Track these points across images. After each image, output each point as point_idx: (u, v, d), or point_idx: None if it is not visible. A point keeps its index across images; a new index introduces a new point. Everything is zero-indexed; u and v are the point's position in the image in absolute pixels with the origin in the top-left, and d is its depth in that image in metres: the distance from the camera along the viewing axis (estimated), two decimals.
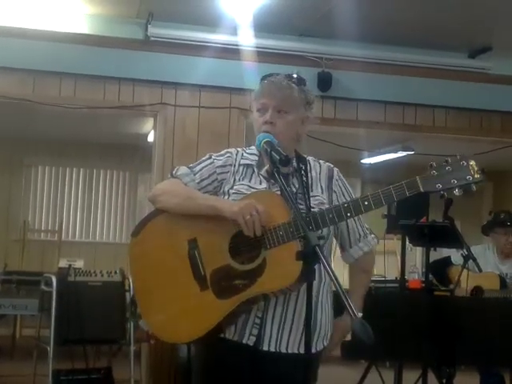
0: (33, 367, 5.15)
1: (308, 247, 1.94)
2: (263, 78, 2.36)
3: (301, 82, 2.33)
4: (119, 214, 9.26)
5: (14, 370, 5.64)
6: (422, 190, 2.05)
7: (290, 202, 2.09)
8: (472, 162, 2.03)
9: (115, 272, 5.05)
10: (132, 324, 4.91)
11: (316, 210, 2.22)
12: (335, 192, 2.36)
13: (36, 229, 8.94)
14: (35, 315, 5.34)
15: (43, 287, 5.01)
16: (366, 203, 2.09)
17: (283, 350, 2.22)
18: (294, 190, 2.24)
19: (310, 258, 1.93)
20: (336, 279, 1.84)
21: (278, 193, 2.23)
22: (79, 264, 5.85)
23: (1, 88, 5.00)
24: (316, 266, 1.95)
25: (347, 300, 1.79)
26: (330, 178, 2.38)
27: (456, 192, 2.03)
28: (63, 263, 5.21)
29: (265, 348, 2.22)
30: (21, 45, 4.95)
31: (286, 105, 2.28)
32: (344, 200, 2.33)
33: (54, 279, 4.83)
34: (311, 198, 2.26)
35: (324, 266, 1.90)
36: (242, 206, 2.11)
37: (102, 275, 5.07)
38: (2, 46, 4.93)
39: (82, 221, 9.10)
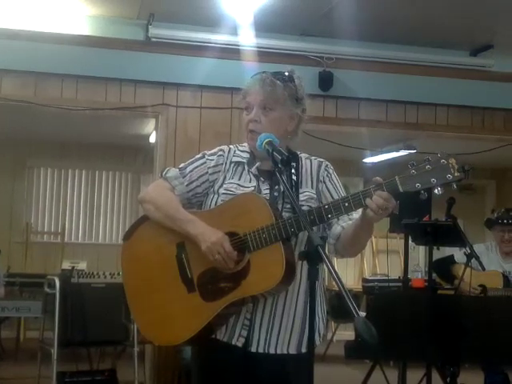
0: (37, 369, 5.14)
1: (311, 247, 1.94)
2: (252, 77, 2.36)
3: (288, 78, 2.33)
4: (122, 215, 9.26)
5: (18, 373, 5.64)
6: (400, 190, 2.02)
7: (292, 202, 2.11)
8: (452, 160, 1.99)
9: (118, 273, 5.04)
10: (135, 325, 4.91)
11: (305, 206, 2.23)
12: (321, 182, 2.36)
13: (39, 231, 8.94)
14: (39, 317, 5.34)
15: (46, 289, 5.02)
16: (347, 204, 2.08)
17: (272, 351, 2.24)
18: (282, 188, 2.24)
19: (312, 258, 1.93)
20: (339, 279, 1.83)
21: (267, 191, 2.26)
22: (82, 266, 5.86)
23: (3, 90, 5.01)
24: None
25: (350, 300, 1.78)
26: (318, 170, 2.38)
27: (437, 191, 2.00)
28: (66, 265, 5.23)
29: (253, 350, 2.23)
30: (22, 47, 4.95)
31: (269, 102, 2.28)
32: (330, 191, 2.34)
33: (57, 281, 4.82)
34: (300, 195, 2.27)
35: (327, 266, 1.89)
36: (209, 245, 2.14)
37: (105, 277, 5.08)
38: (4, 48, 4.94)
39: (84, 223, 9.09)
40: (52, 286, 4.87)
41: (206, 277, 2.20)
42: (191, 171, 2.35)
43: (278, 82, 2.29)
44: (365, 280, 6.87)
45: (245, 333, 2.23)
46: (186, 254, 2.24)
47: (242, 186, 2.29)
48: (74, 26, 5.10)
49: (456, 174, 1.98)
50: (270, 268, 2.11)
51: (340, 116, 5.59)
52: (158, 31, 5.13)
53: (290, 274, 2.12)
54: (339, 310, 6.13)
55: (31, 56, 4.97)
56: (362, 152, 7.50)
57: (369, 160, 8.45)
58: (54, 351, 4.70)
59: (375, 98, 5.60)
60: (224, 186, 2.31)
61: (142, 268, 2.32)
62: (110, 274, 5.07)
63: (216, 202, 2.30)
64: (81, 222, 9.07)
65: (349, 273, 8.73)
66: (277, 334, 2.24)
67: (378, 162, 8.31)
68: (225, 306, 2.16)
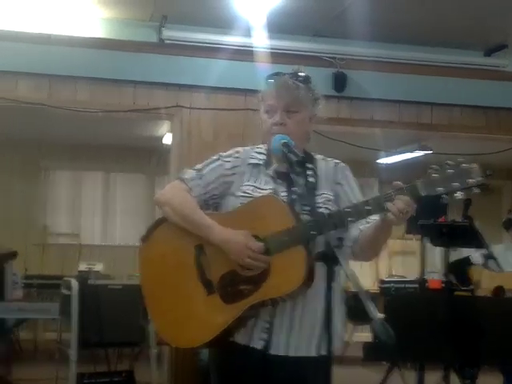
0: (54, 371, 5.17)
1: (328, 249, 1.94)
2: (268, 78, 2.34)
3: (307, 79, 2.31)
4: (137, 217, 9.28)
5: (37, 374, 5.66)
6: (422, 194, 2.01)
7: (310, 205, 2.11)
8: (474, 165, 1.99)
9: (135, 275, 5.06)
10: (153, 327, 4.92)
11: (322, 208, 2.22)
12: (338, 183, 2.34)
13: (56, 233, 8.99)
14: (56, 319, 5.37)
15: (63, 291, 5.04)
16: (368, 208, 2.07)
17: (291, 354, 2.22)
18: (299, 190, 2.22)
19: (329, 259, 1.93)
20: (356, 280, 1.83)
21: (285, 193, 2.24)
22: (99, 267, 5.87)
23: (17, 92, 5.03)
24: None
25: (367, 302, 1.78)
26: (335, 171, 2.36)
27: (458, 195, 2.00)
28: (83, 267, 5.24)
29: (273, 352, 2.21)
30: (36, 49, 4.98)
31: (294, 105, 2.27)
32: (347, 193, 2.33)
33: (74, 283, 4.85)
34: (317, 197, 2.25)
35: (344, 268, 1.89)
36: (235, 252, 2.13)
37: (122, 278, 5.10)
38: (18, 51, 4.96)
39: (100, 224, 9.13)
40: (69, 287, 4.89)
41: (225, 279, 2.19)
42: (208, 173, 2.34)
43: (301, 84, 2.28)
44: (381, 281, 6.85)
45: (264, 336, 2.21)
46: (204, 257, 2.24)
47: (258, 188, 2.28)
48: (87, 28, 5.12)
49: (478, 179, 1.98)
50: (290, 271, 2.10)
51: (354, 117, 5.57)
52: (171, 33, 5.14)
53: (310, 277, 2.12)
54: (356, 311, 6.10)
55: (45, 59, 5.00)
56: (377, 153, 7.48)
57: (383, 161, 8.43)
58: (74, 353, 4.71)
59: (389, 98, 5.58)
60: (241, 188, 2.29)
61: (159, 270, 2.32)
62: (127, 275, 5.10)
63: (233, 204, 2.29)
64: (97, 223, 9.11)
65: (365, 274, 8.70)
66: (297, 336, 2.22)
67: (393, 163, 8.29)
68: (245, 309, 2.15)
